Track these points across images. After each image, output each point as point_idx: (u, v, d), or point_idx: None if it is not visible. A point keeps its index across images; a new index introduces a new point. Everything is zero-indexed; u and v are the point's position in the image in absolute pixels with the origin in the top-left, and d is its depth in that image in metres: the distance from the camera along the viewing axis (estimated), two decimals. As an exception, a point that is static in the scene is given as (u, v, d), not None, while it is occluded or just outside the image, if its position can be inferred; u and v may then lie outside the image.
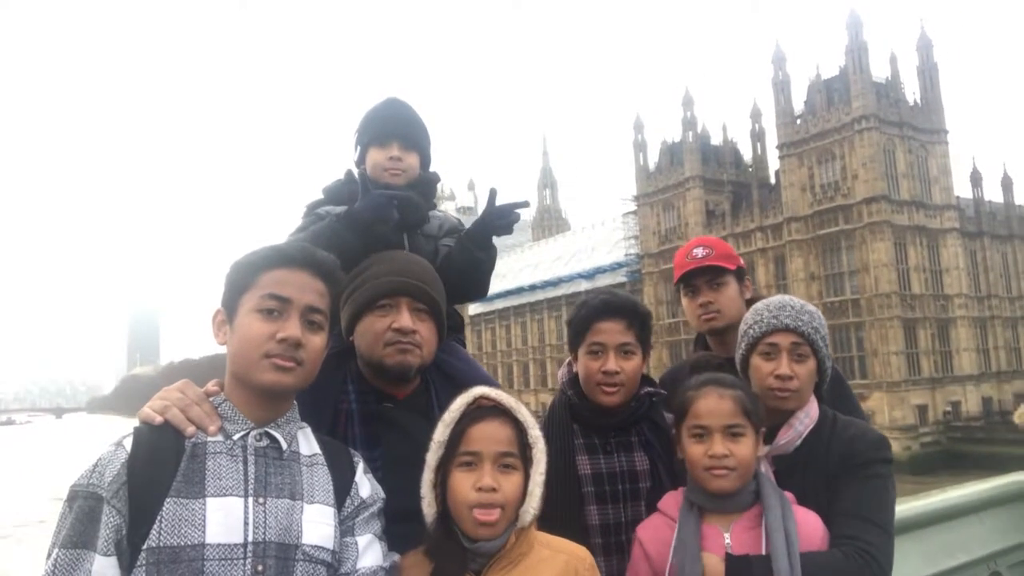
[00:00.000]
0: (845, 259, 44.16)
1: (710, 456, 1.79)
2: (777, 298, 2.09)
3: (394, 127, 2.36)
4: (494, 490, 1.56)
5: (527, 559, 1.59)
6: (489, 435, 1.60)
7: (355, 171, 2.40)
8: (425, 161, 2.44)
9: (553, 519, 1.72)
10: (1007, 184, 51.95)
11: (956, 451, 39.32)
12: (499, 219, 2.25)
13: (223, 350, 1.56)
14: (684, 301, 2.65)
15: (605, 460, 2.11)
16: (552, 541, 1.67)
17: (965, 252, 46.24)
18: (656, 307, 53.95)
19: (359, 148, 2.40)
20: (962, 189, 48.39)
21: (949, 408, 42.83)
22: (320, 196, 2.37)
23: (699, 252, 2.58)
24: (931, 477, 29.84)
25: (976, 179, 50.35)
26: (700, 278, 2.57)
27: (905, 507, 3.11)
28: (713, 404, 1.83)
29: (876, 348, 41.88)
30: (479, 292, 2.38)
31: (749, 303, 2.33)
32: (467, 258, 2.25)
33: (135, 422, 1.51)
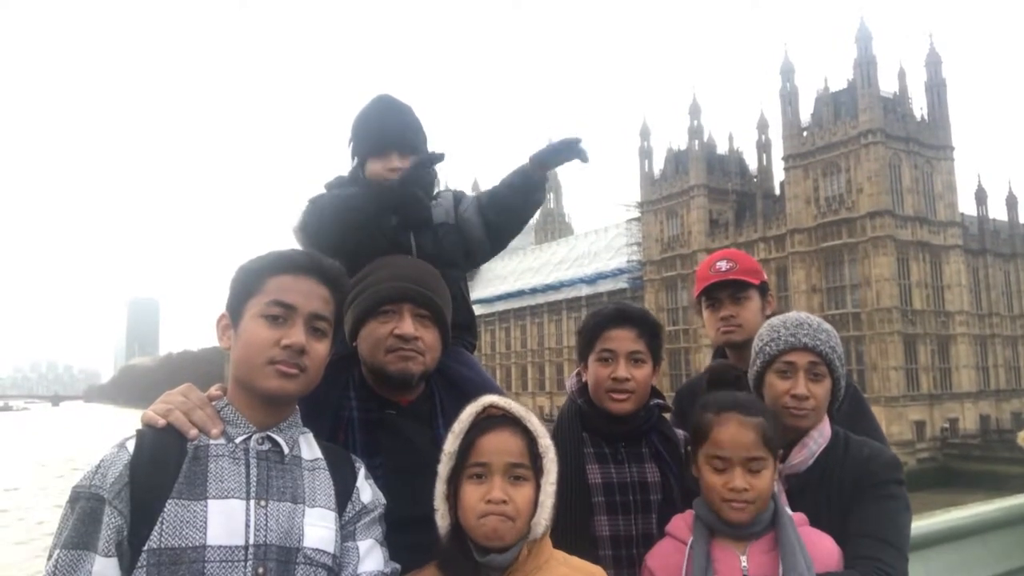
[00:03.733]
0: (847, 272, 44.25)
1: (730, 489, 1.74)
2: (793, 315, 2.06)
3: (391, 137, 2.28)
4: (504, 502, 1.53)
5: (542, 574, 1.56)
6: (498, 446, 1.57)
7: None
8: None
9: (562, 529, 1.68)
10: (1011, 202, 52.07)
11: (952, 468, 39.35)
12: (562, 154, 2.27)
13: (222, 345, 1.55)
14: (705, 314, 2.61)
15: (616, 469, 2.07)
16: (570, 560, 1.63)
17: (967, 269, 46.33)
18: (657, 314, 53.71)
19: (356, 159, 2.33)
20: (966, 206, 48.61)
21: (947, 425, 42.89)
22: (322, 191, 2.32)
23: (723, 265, 2.54)
24: (927, 494, 29.81)
25: (981, 197, 50.52)
26: (723, 291, 2.54)
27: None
28: (735, 434, 1.75)
29: (875, 362, 41.94)
30: (519, 227, 2.39)
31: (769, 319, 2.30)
32: (518, 197, 2.28)
33: (131, 412, 1.49)
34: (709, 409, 1.83)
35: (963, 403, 44.10)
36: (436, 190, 2.40)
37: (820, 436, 1.97)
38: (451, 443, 1.60)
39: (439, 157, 2.25)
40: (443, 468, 1.59)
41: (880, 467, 1.91)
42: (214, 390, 1.58)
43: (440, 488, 1.59)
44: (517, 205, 2.30)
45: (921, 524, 3.24)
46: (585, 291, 62.38)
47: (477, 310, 2.57)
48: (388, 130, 2.29)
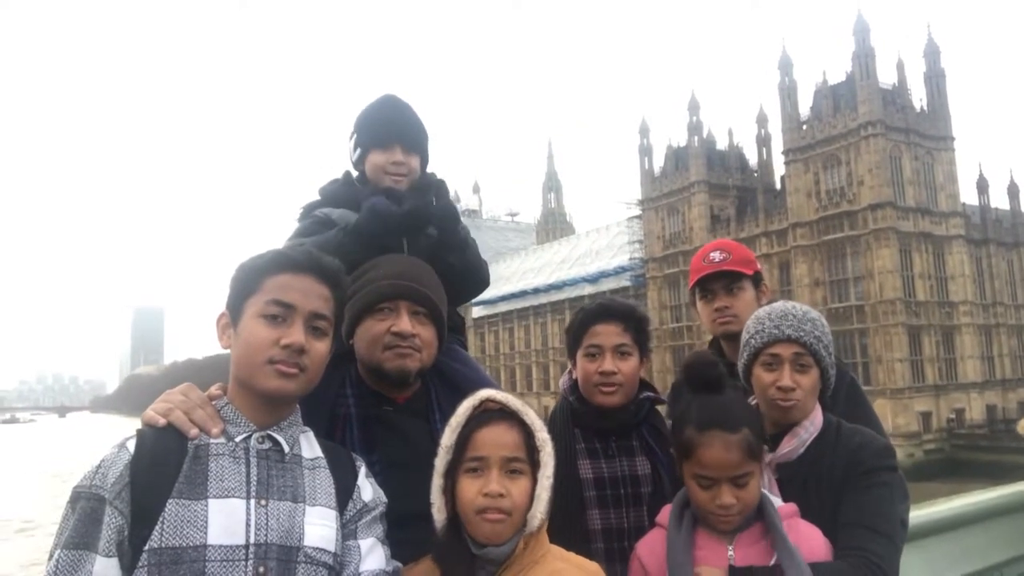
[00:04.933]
0: (850, 265, 44.07)
1: (718, 506, 1.74)
2: (779, 305, 2.06)
3: (396, 130, 2.30)
4: (501, 495, 1.54)
5: (538, 568, 1.57)
6: (495, 439, 1.58)
7: (353, 173, 2.37)
8: (424, 161, 2.39)
9: (555, 524, 1.69)
10: (1013, 191, 51.74)
11: (959, 459, 39.20)
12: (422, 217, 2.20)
13: (226, 351, 1.56)
14: (700, 305, 2.61)
15: (607, 464, 2.10)
16: (567, 555, 1.64)
17: (970, 259, 46.10)
18: (660, 311, 53.91)
19: (359, 150, 2.33)
20: (968, 196, 48.35)
21: (953, 416, 42.69)
22: (317, 197, 2.33)
23: (716, 256, 2.54)
24: (934, 484, 29.71)
25: (982, 186, 50.22)
26: (717, 282, 2.53)
27: (909, 516, 3.10)
28: (719, 455, 1.73)
29: (880, 355, 41.77)
30: (476, 289, 2.36)
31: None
32: (443, 268, 2.18)
33: (138, 422, 1.51)
34: (690, 423, 1.80)
35: (969, 393, 43.89)
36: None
37: (811, 425, 1.97)
38: (448, 437, 1.60)
39: (441, 191, 2.30)
40: (440, 462, 1.60)
41: (871, 454, 1.90)
42: (214, 389, 1.59)
43: (437, 482, 1.60)
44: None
45: (922, 513, 3.23)
46: (588, 290, 62.21)
47: (478, 311, 2.58)
48: (393, 124, 2.31)
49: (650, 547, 1.85)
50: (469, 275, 2.31)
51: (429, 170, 2.43)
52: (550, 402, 60.30)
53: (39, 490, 44.38)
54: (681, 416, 1.85)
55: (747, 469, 1.74)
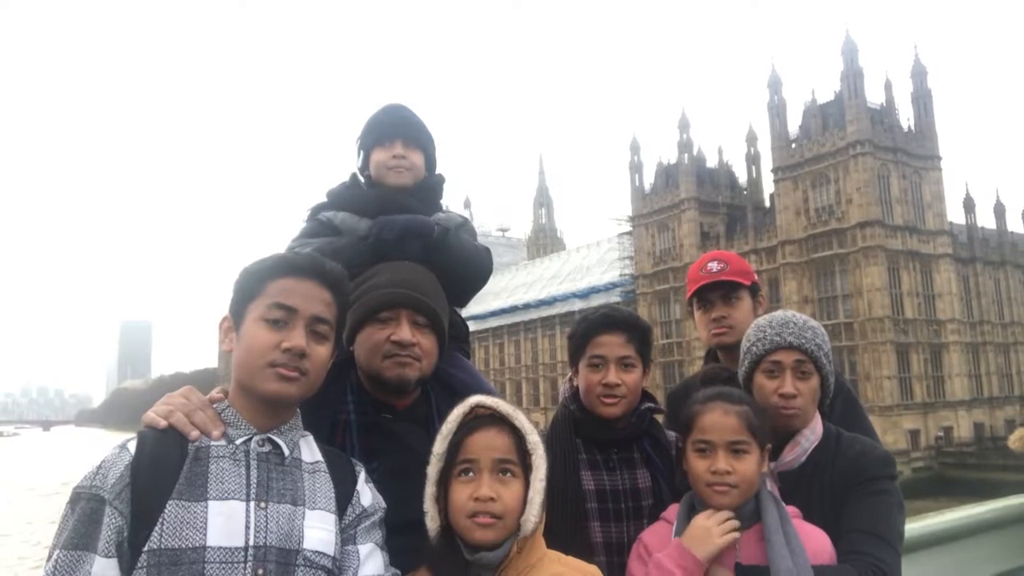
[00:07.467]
0: (839, 283, 44.37)
1: (712, 472, 1.77)
2: (779, 314, 2.07)
3: (396, 127, 2.33)
4: (492, 499, 1.53)
5: (536, 572, 1.56)
6: (486, 443, 1.58)
7: (360, 177, 2.38)
8: (430, 163, 2.40)
9: (558, 535, 1.69)
10: (1000, 211, 52.32)
11: (948, 476, 39.30)
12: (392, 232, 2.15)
13: (214, 365, 1.57)
14: (697, 315, 2.62)
15: (608, 476, 2.08)
16: (565, 559, 1.63)
17: (958, 278, 46.50)
18: (650, 328, 54.03)
19: (362, 153, 2.37)
20: (955, 215, 48.82)
21: (941, 433, 42.88)
22: (324, 200, 2.33)
23: (714, 266, 2.56)
24: (923, 502, 29.75)
25: (969, 205, 50.73)
26: (714, 292, 2.55)
27: (904, 528, 3.10)
28: (718, 419, 1.81)
29: (869, 372, 41.98)
30: (474, 286, 2.31)
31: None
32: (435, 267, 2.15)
33: (122, 436, 1.51)
34: (696, 401, 1.89)
35: (957, 411, 44.13)
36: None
37: (812, 434, 1.98)
38: (439, 444, 1.60)
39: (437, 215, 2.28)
40: (432, 470, 1.59)
41: (871, 463, 1.92)
42: (216, 392, 1.59)
43: (430, 490, 1.59)
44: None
45: (915, 526, 3.24)
46: (578, 305, 62.26)
47: (470, 326, 2.56)
48: (392, 121, 2.34)
49: (656, 536, 1.86)
50: (461, 271, 2.24)
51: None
52: (540, 418, 60.18)
53: (14, 504, 43.82)
54: (690, 401, 1.92)
55: (744, 438, 1.79)
